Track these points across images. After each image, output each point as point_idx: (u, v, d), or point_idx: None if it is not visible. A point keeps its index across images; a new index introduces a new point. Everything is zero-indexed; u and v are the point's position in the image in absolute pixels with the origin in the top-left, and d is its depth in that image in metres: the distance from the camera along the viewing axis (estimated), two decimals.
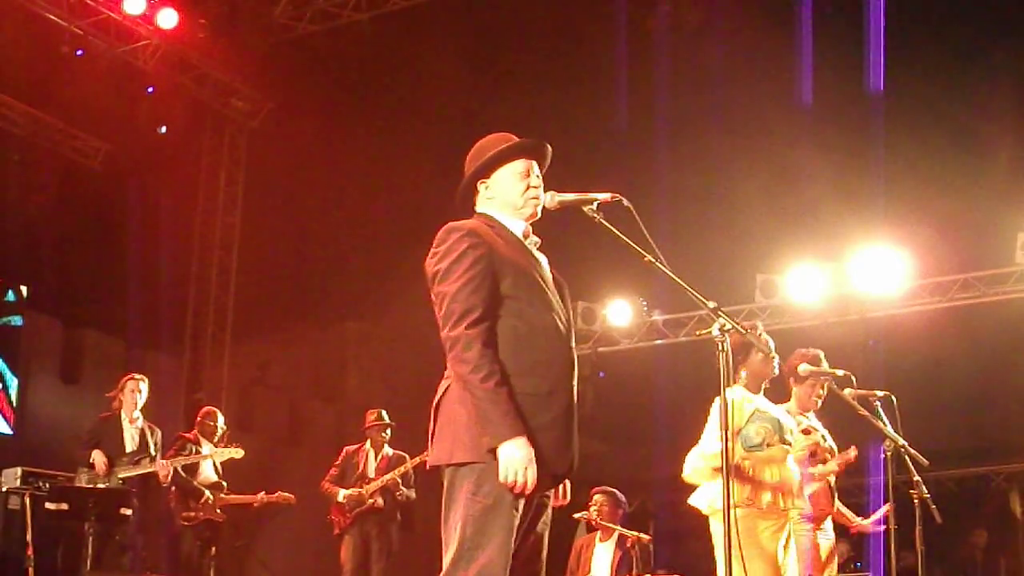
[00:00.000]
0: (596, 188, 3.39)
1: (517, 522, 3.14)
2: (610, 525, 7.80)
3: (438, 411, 3.26)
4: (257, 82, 11.80)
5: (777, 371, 5.11)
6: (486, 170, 3.42)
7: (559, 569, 7.90)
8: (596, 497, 7.84)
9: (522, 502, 3.15)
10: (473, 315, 3.16)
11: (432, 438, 3.27)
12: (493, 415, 3.08)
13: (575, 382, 3.32)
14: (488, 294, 3.20)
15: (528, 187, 3.39)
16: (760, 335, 5.00)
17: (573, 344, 3.38)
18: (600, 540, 7.94)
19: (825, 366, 5.42)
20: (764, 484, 4.84)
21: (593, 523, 7.88)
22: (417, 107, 11.69)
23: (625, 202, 3.36)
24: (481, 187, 3.43)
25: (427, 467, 3.35)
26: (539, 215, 3.43)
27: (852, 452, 5.58)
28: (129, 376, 8.04)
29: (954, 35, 10.71)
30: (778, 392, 5.47)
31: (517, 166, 3.40)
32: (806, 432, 5.42)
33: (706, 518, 4.99)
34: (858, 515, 6.13)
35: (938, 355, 11.24)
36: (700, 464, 4.94)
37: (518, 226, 3.40)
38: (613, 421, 12.82)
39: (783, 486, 4.87)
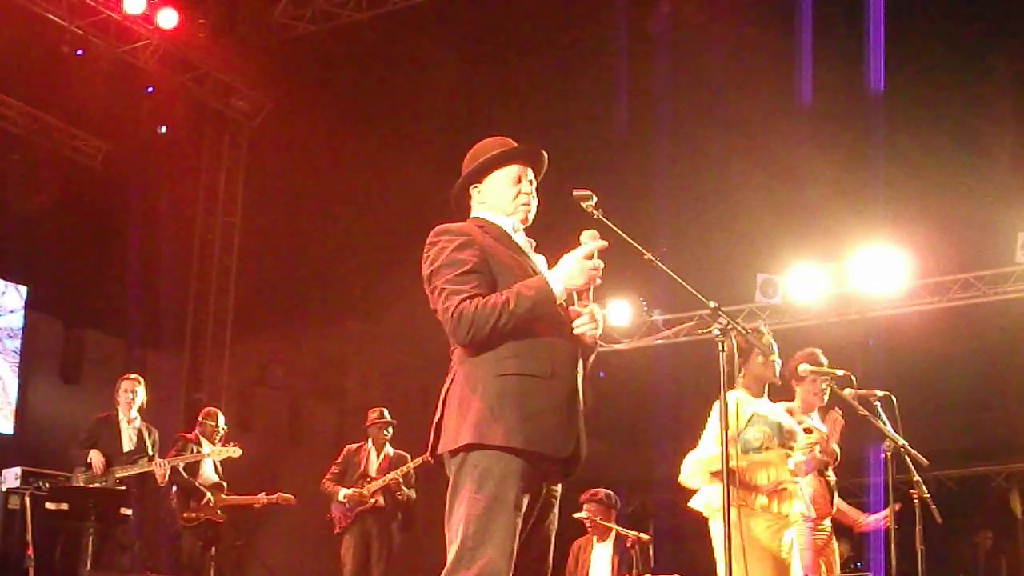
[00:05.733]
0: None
1: (520, 522, 3.12)
2: (607, 525, 7.78)
3: (446, 400, 3.24)
4: (257, 82, 11.79)
5: (779, 373, 5.10)
6: (478, 175, 3.42)
7: (557, 571, 7.89)
8: (585, 507, 7.80)
9: (526, 502, 3.14)
10: (463, 295, 3.13)
11: (439, 427, 3.23)
12: (521, 300, 3.11)
13: (579, 370, 3.29)
14: (480, 282, 3.18)
15: (519, 193, 3.39)
16: (763, 337, 4.99)
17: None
18: (598, 541, 7.92)
19: (823, 361, 5.43)
20: (759, 488, 4.84)
21: (589, 527, 7.86)
22: (417, 107, 11.68)
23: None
24: (473, 191, 3.44)
25: (434, 455, 3.28)
26: (530, 221, 3.42)
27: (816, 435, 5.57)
28: (124, 377, 8.05)
29: (954, 35, 10.70)
30: (785, 393, 5.47)
31: (510, 171, 3.40)
32: (807, 431, 5.42)
33: (706, 518, 4.99)
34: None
35: (938, 355, 11.25)
36: (696, 468, 4.94)
37: (508, 222, 3.39)
38: (613, 421, 12.80)
39: (778, 489, 4.87)
